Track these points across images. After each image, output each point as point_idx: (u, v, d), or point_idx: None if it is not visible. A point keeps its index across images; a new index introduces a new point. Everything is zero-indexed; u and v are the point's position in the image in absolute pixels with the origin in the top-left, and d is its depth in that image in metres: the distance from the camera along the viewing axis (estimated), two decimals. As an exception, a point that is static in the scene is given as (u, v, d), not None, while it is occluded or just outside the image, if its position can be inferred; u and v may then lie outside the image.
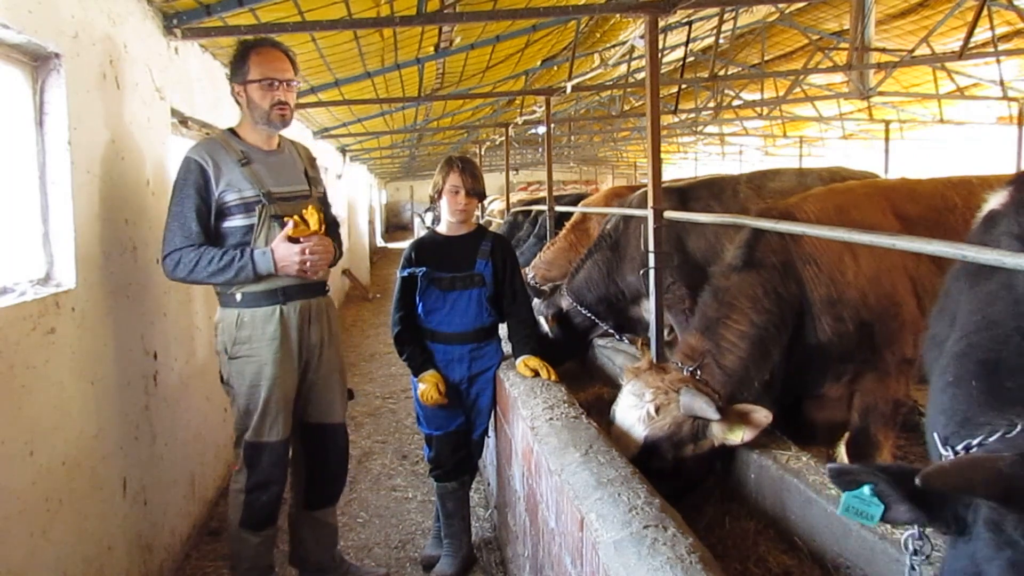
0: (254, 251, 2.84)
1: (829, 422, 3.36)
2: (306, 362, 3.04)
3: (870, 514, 1.36)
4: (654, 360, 3.21)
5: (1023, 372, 1.41)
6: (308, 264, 2.87)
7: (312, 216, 2.91)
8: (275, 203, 2.92)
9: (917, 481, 1.18)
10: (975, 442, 1.32)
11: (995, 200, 1.83)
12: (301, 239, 2.87)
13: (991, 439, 1.30)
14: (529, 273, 5.50)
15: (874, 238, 2.25)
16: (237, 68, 2.94)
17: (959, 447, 1.34)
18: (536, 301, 4.65)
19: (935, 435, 1.45)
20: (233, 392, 2.96)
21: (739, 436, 2.70)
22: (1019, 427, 1.29)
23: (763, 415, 2.69)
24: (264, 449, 2.93)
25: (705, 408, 2.65)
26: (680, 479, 2.79)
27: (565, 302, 5.06)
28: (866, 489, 1.36)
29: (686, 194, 5.25)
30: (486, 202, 13.62)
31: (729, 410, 2.74)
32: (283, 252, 2.84)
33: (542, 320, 4.85)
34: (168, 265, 2.85)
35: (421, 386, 3.30)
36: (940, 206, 3.48)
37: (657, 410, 2.76)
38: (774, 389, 3.12)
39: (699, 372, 2.89)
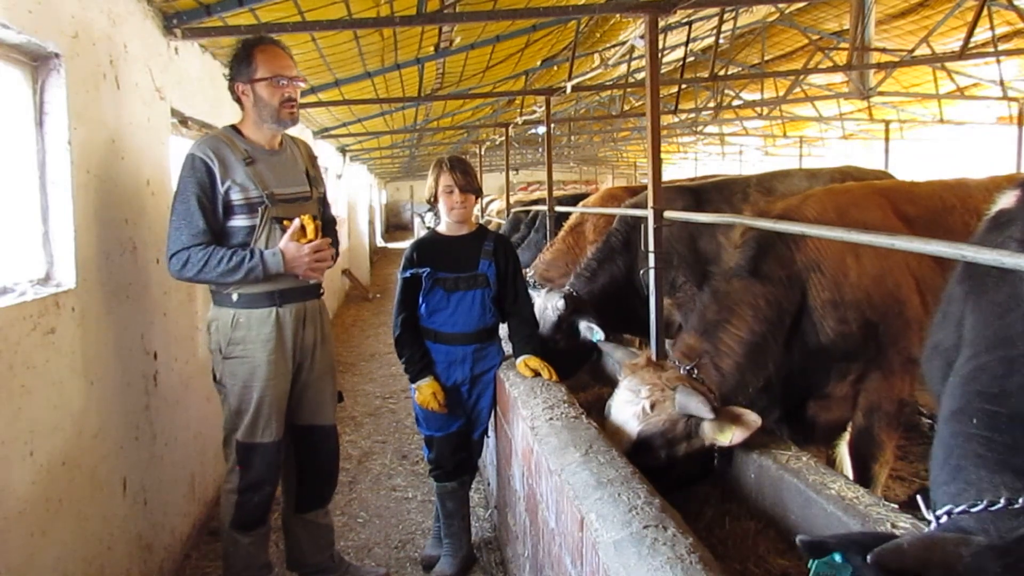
0: (264, 251, 2.84)
1: (832, 422, 3.36)
2: (299, 364, 3.05)
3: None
4: (653, 358, 3.21)
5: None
6: (315, 266, 2.92)
7: (309, 224, 2.93)
8: (277, 205, 2.91)
9: (869, 559, 1.15)
10: (958, 509, 1.28)
11: (1004, 200, 1.78)
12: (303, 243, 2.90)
13: (975, 509, 1.26)
14: (530, 273, 5.46)
15: (872, 238, 2.24)
16: (242, 66, 2.91)
17: (941, 511, 1.31)
18: (559, 304, 4.44)
19: (925, 497, 1.41)
20: (225, 391, 2.95)
21: (728, 437, 2.71)
22: (1003, 501, 1.24)
23: (753, 418, 2.70)
24: (257, 450, 2.94)
25: (700, 407, 2.66)
26: (672, 476, 2.79)
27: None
28: (836, 556, 1.34)
29: (699, 195, 5.23)
30: (485, 202, 13.61)
31: (722, 411, 2.75)
32: (294, 252, 2.85)
33: (584, 325, 4.30)
34: (175, 264, 2.80)
35: (418, 394, 3.31)
36: (939, 207, 3.47)
37: (652, 406, 2.77)
38: (774, 392, 3.12)
39: (696, 372, 2.89)
